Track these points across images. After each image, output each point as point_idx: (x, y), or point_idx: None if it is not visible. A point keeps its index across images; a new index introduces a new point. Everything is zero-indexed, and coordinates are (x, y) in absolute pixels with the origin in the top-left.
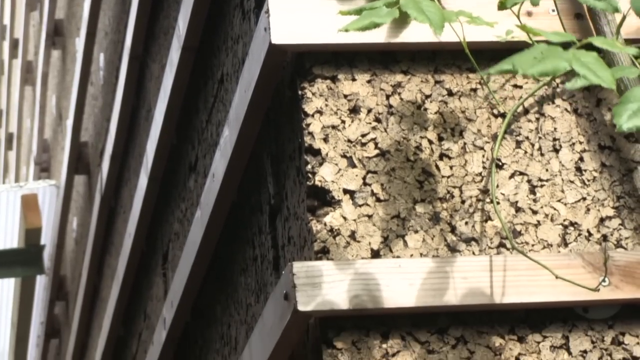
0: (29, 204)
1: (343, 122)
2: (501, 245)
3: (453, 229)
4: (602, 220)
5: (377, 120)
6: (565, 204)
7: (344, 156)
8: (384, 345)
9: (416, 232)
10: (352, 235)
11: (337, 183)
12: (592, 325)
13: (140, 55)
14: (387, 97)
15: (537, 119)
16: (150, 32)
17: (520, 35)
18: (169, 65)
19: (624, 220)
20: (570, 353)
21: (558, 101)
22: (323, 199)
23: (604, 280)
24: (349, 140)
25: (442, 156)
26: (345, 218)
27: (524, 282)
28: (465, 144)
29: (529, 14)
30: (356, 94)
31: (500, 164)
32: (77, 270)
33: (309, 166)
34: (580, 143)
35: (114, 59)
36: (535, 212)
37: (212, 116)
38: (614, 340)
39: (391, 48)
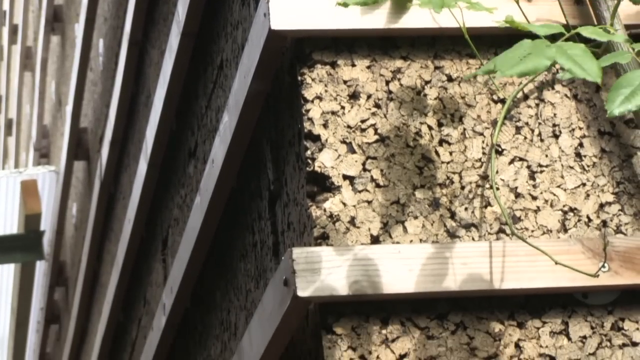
0: (29, 189)
1: (343, 107)
2: (501, 231)
3: (452, 215)
4: (601, 206)
5: (377, 106)
6: (565, 190)
7: (343, 142)
8: (384, 331)
9: (416, 217)
10: (352, 221)
11: (337, 169)
12: (591, 311)
13: (140, 41)
14: (387, 82)
15: (537, 105)
16: (149, 18)
17: (519, 22)
18: (169, 51)
19: (623, 206)
20: (569, 339)
21: (558, 87)
22: (323, 184)
23: (603, 266)
24: (348, 126)
25: (441, 142)
26: (344, 204)
27: (523, 267)
28: (465, 129)
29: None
30: (356, 79)
31: (500, 149)
32: (76, 256)
33: (309, 152)
34: (580, 129)
35: (114, 44)
36: (534, 198)
37: (211, 102)
38: (614, 326)
39: (391, 34)
